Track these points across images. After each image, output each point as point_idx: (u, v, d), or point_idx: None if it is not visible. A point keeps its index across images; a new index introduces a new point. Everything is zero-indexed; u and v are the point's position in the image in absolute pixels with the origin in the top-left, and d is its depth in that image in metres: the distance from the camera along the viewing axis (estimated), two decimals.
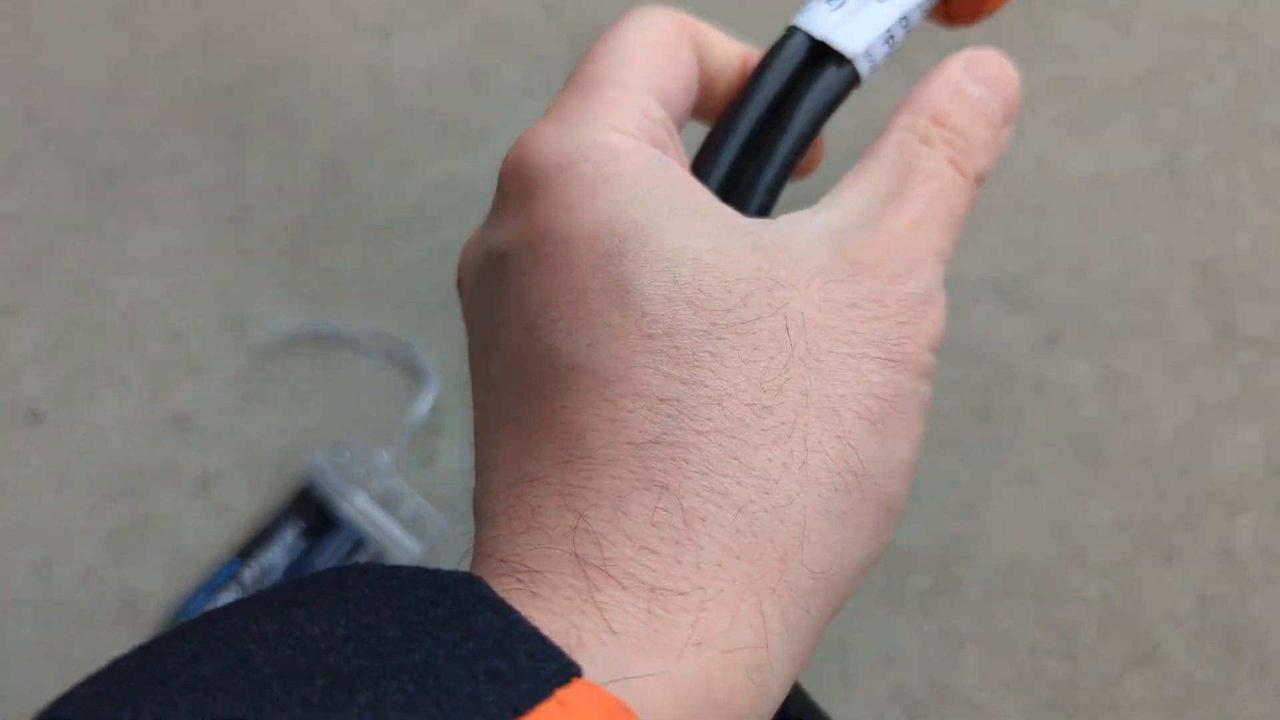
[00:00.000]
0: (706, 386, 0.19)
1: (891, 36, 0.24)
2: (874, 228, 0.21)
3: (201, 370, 0.61)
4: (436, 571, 0.18)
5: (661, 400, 0.18)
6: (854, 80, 0.24)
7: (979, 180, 0.23)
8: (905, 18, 0.24)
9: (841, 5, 0.24)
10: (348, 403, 0.60)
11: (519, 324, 0.20)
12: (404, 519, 0.56)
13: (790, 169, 0.24)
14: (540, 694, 0.15)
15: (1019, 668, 0.51)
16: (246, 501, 0.58)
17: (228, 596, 0.56)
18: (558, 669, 0.16)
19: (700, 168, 0.24)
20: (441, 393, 0.58)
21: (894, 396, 0.20)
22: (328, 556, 0.56)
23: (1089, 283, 0.57)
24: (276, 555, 0.56)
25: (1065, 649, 0.51)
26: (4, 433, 0.61)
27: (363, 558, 0.57)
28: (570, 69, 0.23)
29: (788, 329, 0.19)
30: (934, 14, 0.26)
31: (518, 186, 0.22)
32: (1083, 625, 0.51)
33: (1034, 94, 0.62)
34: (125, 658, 0.16)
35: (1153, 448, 0.53)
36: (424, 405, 0.57)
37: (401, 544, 0.56)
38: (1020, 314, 0.57)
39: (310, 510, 0.57)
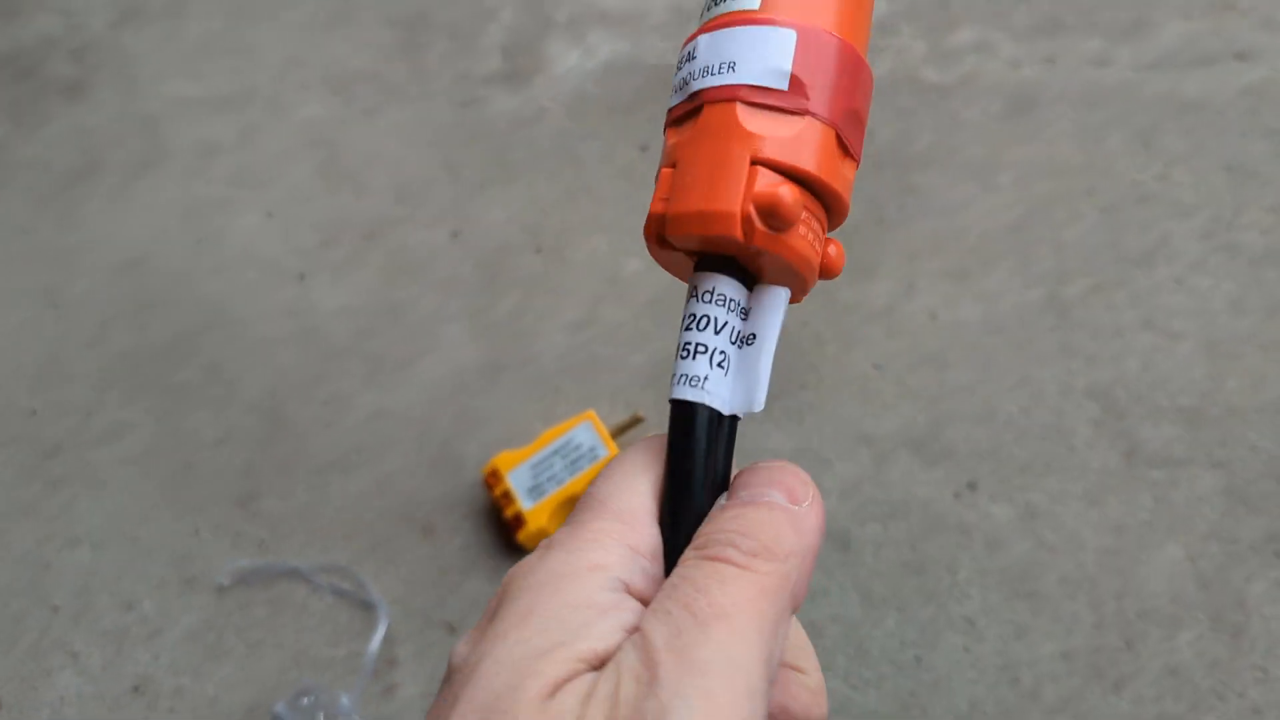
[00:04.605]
0: None
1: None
2: None
3: (156, 634, 0.62)
4: None
5: None
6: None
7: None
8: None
9: (724, 362, 0.24)
10: (303, 645, 0.61)
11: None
12: None
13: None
14: None
15: None
16: None
17: None
18: None
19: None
20: (393, 623, 0.59)
21: None
22: None
23: (996, 425, 0.60)
24: None
25: None
26: None
27: None
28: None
29: None
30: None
31: (492, 607, 0.24)
32: None
33: (917, 252, 0.66)
34: None
35: (1083, 577, 0.55)
36: (376, 639, 0.58)
37: None
38: (936, 465, 0.59)
39: None
